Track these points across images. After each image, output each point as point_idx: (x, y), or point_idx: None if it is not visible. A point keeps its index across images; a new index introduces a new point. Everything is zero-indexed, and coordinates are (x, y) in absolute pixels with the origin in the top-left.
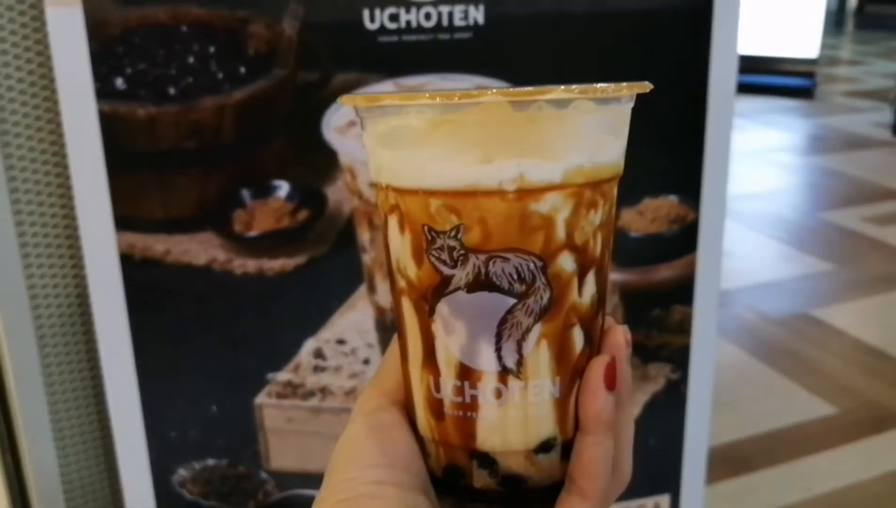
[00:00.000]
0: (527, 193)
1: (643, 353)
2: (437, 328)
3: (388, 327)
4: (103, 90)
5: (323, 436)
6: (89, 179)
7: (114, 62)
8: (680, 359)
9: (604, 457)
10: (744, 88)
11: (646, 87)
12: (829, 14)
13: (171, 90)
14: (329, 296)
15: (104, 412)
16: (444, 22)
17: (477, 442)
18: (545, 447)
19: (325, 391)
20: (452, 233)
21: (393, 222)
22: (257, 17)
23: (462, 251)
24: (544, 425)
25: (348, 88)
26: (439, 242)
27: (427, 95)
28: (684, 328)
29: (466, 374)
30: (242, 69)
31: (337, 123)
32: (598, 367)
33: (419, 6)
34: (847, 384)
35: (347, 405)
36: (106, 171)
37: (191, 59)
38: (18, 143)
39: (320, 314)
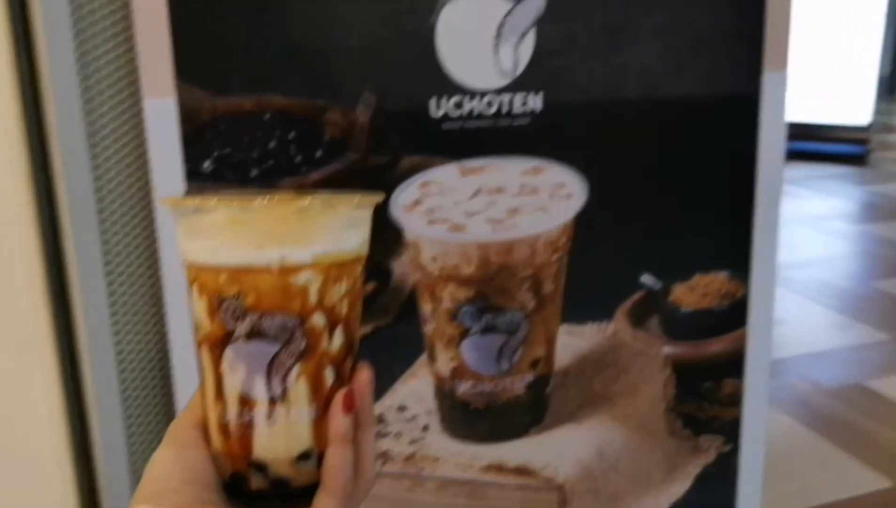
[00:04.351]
0: (287, 270)
1: (695, 425)
2: (225, 368)
3: (447, 394)
4: (192, 171)
5: (384, 500)
6: (175, 249)
7: (202, 146)
8: (731, 431)
9: (343, 463)
10: (796, 155)
11: (377, 198)
12: (882, 80)
13: (254, 172)
14: (392, 365)
15: None
16: (505, 109)
17: (254, 454)
18: (304, 456)
19: (385, 455)
20: (235, 298)
21: (194, 289)
22: (334, 105)
23: (242, 311)
24: (304, 440)
25: (415, 170)
26: (226, 304)
27: (216, 200)
28: (735, 400)
29: (246, 402)
30: (319, 153)
31: (404, 201)
32: (339, 395)
33: (482, 95)
34: None
35: (407, 469)
36: None
37: (272, 144)
38: (114, 219)
39: (383, 382)
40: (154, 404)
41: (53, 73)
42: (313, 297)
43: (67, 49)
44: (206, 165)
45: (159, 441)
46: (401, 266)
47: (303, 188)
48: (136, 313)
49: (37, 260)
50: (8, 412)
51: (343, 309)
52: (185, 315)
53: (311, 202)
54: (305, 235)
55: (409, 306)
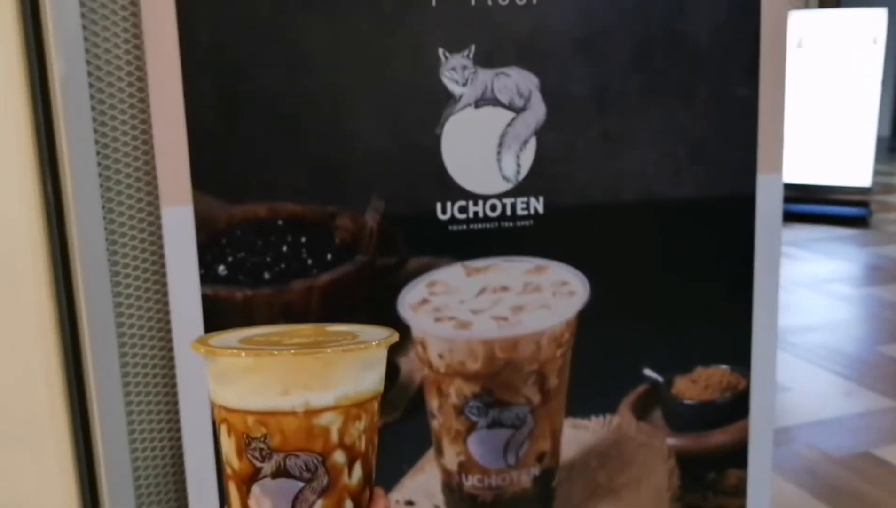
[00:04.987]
0: (311, 413)
1: None
2: (252, 503)
3: (454, 489)
4: (207, 276)
5: None
6: (191, 354)
7: (217, 252)
8: None
9: None
10: (798, 218)
11: (393, 339)
12: (881, 140)
13: (266, 275)
14: (400, 460)
15: None
16: (508, 212)
17: None
18: None
19: None
20: (262, 439)
21: (223, 429)
22: (344, 211)
23: (268, 451)
24: None
25: (422, 271)
26: (253, 445)
27: (244, 352)
28: (739, 491)
29: None
30: (329, 256)
31: (411, 300)
32: None
33: (485, 199)
34: None
35: None
36: None
37: (284, 248)
38: (131, 322)
39: (391, 477)
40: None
41: (76, 183)
42: (334, 436)
43: (90, 160)
44: (221, 269)
45: None
46: (408, 363)
47: (314, 290)
48: (151, 413)
49: (56, 363)
50: None
51: (362, 445)
52: (199, 417)
53: (334, 349)
54: (328, 379)
55: (416, 402)
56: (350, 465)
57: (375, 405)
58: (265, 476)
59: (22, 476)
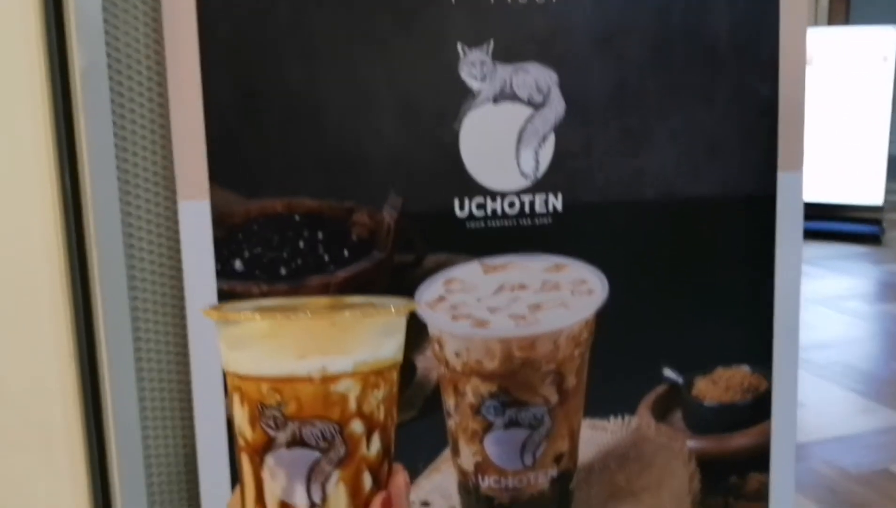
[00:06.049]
0: (328, 379)
1: None
2: (266, 475)
3: (470, 489)
4: (223, 271)
5: None
6: (206, 351)
7: (234, 247)
8: None
9: None
10: (810, 235)
11: (412, 306)
12: (892, 159)
13: (283, 271)
14: (415, 459)
15: None
16: (527, 209)
17: None
18: None
19: None
20: (276, 407)
21: (236, 398)
22: (361, 207)
23: (283, 419)
24: None
25: (439, 268)
26: (267, 413)
27: (259, 315)
28: (761, 495)
29: None
30: (346, 252)
31: (427, 298)
32: (377, 500)
33: (504, 196)
34: None
35: None
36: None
37: (301, 244)
38: (146, 317)
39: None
40: (180, 498)
41: (94, 176)
42: (352, 404)
43: (109, 153)
44: (237, 264)
45: None
46: (425, 361)
47: (330, 286)
48: (164, 409)
49: (70, 358)
50: None
51: (380, 415)
52: (212, 416)
53: (352, 313)
54: (346, 344)
55: (433, 401)
56: (368, 435)
57: (395, 375)
58: (280, 447)
59: (35, 482)
